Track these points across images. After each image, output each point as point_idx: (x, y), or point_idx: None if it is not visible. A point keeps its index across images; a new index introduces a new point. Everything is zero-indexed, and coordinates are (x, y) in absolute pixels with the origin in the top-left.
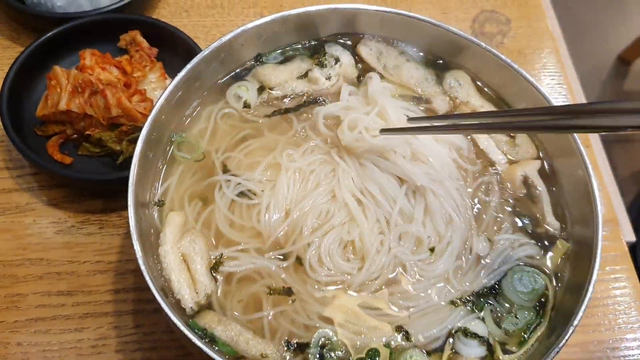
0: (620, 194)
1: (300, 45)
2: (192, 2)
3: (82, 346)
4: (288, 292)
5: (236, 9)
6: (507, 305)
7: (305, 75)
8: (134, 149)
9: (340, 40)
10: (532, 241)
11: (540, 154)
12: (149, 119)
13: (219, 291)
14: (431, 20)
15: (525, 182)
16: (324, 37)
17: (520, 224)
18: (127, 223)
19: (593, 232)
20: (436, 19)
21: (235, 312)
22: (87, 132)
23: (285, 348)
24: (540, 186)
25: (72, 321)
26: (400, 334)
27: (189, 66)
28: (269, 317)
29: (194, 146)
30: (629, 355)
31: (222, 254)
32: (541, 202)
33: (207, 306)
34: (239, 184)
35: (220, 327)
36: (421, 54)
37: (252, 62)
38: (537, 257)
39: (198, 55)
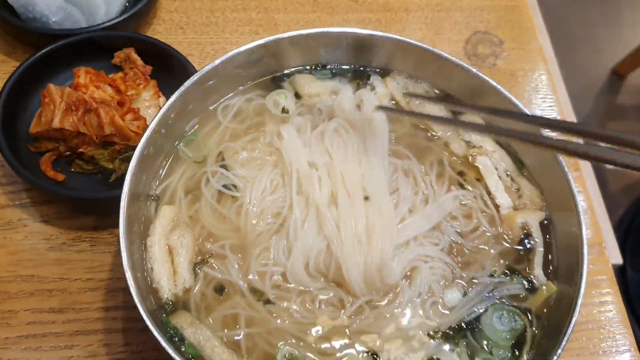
0: (608, 213)
1: (347, 67)
2: (188, 20)
3: None
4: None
5: (231, 27)
6: (483, 341)
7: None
8: (126, 167)
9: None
10: (517, 282)
11: (544, 206)
12: (143, 139)
13: (196, 289)
14: (424, 46)
15: (524, 230)
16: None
17: (507, 270)
18: (118, 241)
19: (576, 289)
20: (429, 40)
21: (210, 321)
22: (80, 150)
23: None
24: (538, 238)
25: (62, 338)
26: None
27: (182, 88)
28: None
29: (200, 147)
30: None
31: (211, 254)
32: (534, 253)
33: (184, 306)
34: (224, 175)
35: (191, 329)
36: (436, 91)
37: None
38: (521, 296)
39: (188, 80)
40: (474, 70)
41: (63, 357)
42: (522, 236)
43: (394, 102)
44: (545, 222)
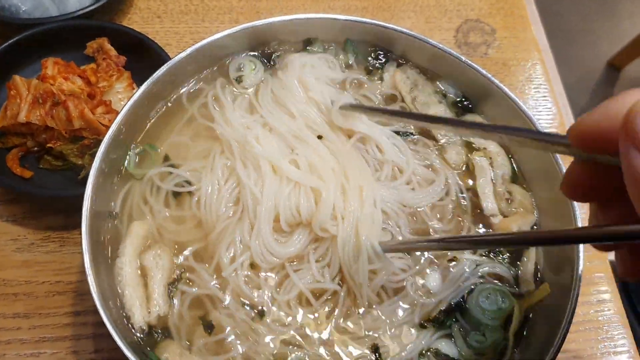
0: None
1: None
2: (165, 8)
3: None
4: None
5: (211, 15)
6: (473, 323)
7: None
8: None
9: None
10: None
11: (535, 210)
12: (108, 134)
13: (174, 313)
14: (412, 33)
15: None
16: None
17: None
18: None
19: (569, 299)
20: (420, 29)
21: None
22: (48, 145)
23: None
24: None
25: (28, 345)
26: (375, 355)
27: (153, 77)
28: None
29: (151, 161)
30: None
31: (182, 271)
32: (525, 259)
33: (166, 332)
34: (173, 174)
35: None
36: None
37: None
38: (505, 277)
39: (160, 69)
40: (464, 58)
41: None
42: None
43: (400, 97)
44: (535, 227)
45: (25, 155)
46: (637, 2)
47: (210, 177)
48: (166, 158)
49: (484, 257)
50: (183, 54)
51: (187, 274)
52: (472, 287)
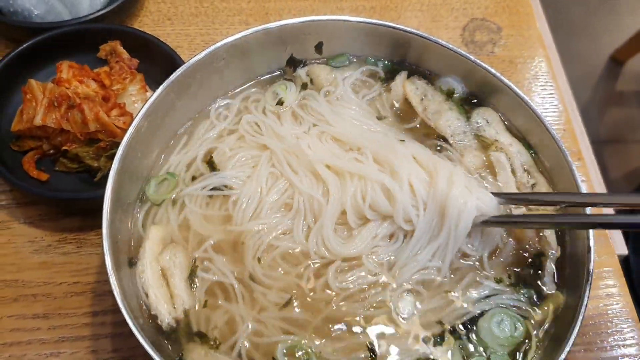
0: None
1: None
2: (176, 10)
3: None
4: None
5: (220, 17)
6: (480, 346)
7: None
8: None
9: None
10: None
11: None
12: (126, 135)
13: (196, 307)
14: (419, 32)
15: (538, 237)
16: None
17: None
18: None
19: (580, 295)
20: (426, 27)
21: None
22: (64, 148)
23: None
24: (553, 243)
25: (47, 345)
26: (370, 354)
27: (169, 81)
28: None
29: (170, 187)
30: None
31: (195, 259)
32: (546, 260)
33: (188, 328)
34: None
35: None
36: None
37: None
38: (523, 308)
39: (175, 72)
40: (473, 57)
41: None
42: (537, 243)
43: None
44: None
45: (41, 158)
46: None
47: (254, 184)
48: (210, 162)
49: (507, 287)
50: (197, 57)
51: (204, 263)
52: (485, 310)
